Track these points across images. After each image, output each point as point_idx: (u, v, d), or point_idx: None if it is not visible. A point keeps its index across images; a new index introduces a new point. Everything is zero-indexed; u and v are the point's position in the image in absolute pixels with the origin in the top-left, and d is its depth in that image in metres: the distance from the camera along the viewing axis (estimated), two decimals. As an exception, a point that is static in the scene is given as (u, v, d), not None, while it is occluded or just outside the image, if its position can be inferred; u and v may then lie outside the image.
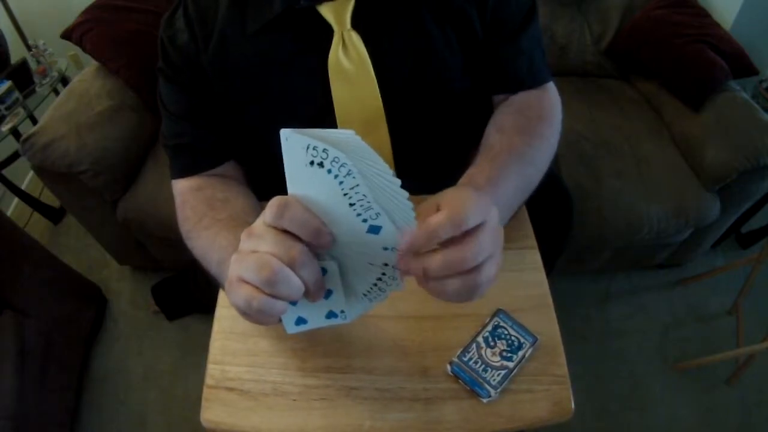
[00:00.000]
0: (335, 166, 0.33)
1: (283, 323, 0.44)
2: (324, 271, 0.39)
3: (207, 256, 0.56)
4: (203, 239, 0.57)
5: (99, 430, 1.34)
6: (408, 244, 0.36)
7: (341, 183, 0.34)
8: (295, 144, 0.33)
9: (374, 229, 0.36)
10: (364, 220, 0.36)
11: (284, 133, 0.33)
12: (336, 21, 0.60)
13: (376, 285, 0.42)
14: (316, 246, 0.37)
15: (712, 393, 1.39)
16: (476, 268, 0.37)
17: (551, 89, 0.70)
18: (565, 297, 1.57)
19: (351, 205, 0.35)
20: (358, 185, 0.34)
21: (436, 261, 0.36)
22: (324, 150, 0.33)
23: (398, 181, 0.35)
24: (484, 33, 0.64)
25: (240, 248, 0.38)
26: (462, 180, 0.55)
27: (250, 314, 0.38)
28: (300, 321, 0.45)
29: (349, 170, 0.33)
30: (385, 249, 0.38)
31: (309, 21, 0.60)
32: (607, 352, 1.47)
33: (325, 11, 0.59)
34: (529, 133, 0.62)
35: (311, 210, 0.36)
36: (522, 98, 0.67)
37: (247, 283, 0.36)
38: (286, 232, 0.36)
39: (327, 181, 0.34)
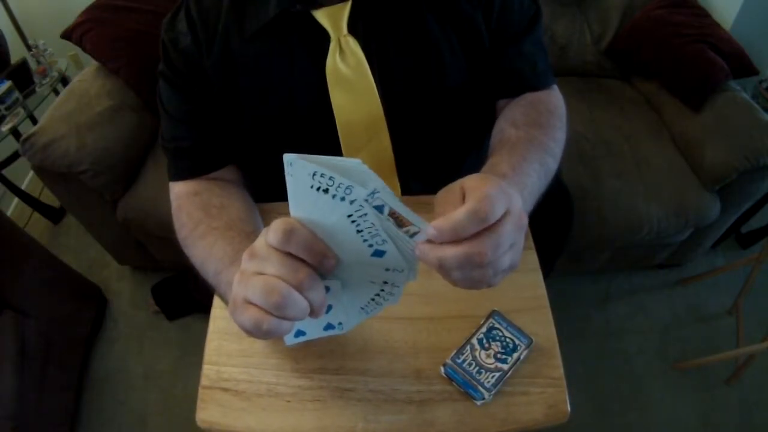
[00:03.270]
0: (340, 192, 0.33)
1: (282, 336, 0.44)
2: (327, 289, 0.40)
3: (204, 266, 0.56)
4: (199, 248, 0.57)
5: (99, 430, 1.34)
6: (432, 237, 0.35)
7: (348, 210, 0.34)
8: (299, 170, 0.33)
9: (379, 253, 0.37)
10: (370, 245, 0.36)
11: (288, 158, 0.33)
12: (332, 26, 0.59)
13: (373, 300, 0.43)
14: (322, 270, 0.37)
15: (712, 393, 1.39)
16: (493, 262, 0.36)
17: (555, 90, 0.70)
18: (565, 297, 1.58)
19: (359, 231, 0.35)
20: (366, 213, 0.34)
21: (453, 255, 0.35)
22: (330, 178, 0.33)
23: (406, 210, 0.35)
24: (490, 37, 0.64)
25: (243, 268, 0.38)
26: (484, 169, 0.55)
27: (257, 335, 0.38)
28: (299, 333, 0.45)
29: (355, 198, 0.33)
30: (387, 270, 0.38)
31: (306, 25, 0.59)
32: (607, 352, 1.47)
33: (321, 16, 0.58)
34: (542, 124, 0.62)
35: (316, 234, 0.36)
36: (528, 97, 0.67)
37: (254, 305, 0.36)
38: (292, 255, 0.36)
39: (333, 207, 0.34)
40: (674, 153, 1.39)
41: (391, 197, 0.34)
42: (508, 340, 0.53)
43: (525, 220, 0.39)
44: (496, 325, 0.55)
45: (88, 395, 1.39)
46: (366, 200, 0.34)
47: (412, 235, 0.36)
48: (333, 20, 0.59)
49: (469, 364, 0.52)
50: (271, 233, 0.36)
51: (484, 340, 0.54)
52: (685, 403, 1.38)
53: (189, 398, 1.37)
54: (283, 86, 0.63)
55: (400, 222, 0.35)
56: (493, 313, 0.56)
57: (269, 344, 0.56)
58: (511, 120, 0.64)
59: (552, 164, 0.60)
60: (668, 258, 1.55)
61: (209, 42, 0.62)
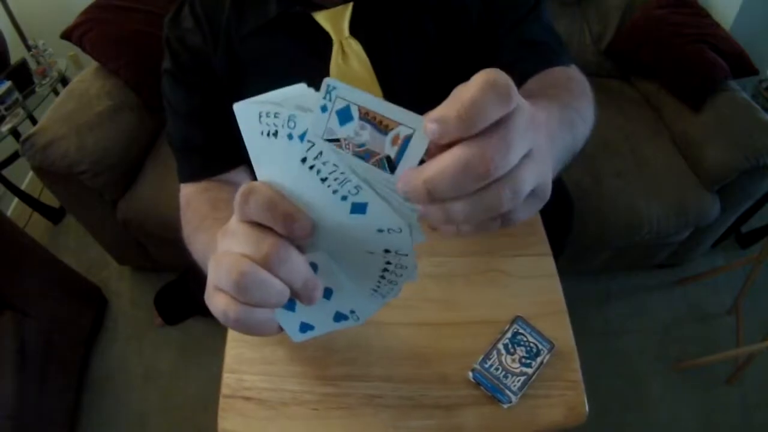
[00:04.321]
0: (286, 129, 0.26)
1: (287, 332, 0.37)
2: (315, 266, 0.32)
3: (205, 260, 0.54)
4: (200, 243, 0.56)
5: (99, 430, 1.34)
6: (433, 134, 0.24)
7: (300, 151, 0.27)
8: (248, 116, 0.27)
9: (358, 208, 0.28)
10: (344, 198, 0.28)
11: (237, 106, 0.27)
12: (333, 29, 0.58)
13: (383, 277, 0.34)
14: (294, 236, 0.29)
15: (712, 393, 1.39)
16: (508, 175, 0.25)
17: (575, 68, 0.63)
18: (565, 297, 1.57)
19: (323, 180, 0.27)
20: (321, 152, 0.26)
21: (446, 167, 0.24)
22: (276, 114, 0.26)
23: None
24: (490, 23, 0.62)
25: (217, 249, 0.32)
26: None
27: (232, 327, 0.31)
28: (305, 327, 0.37)
29: (303, 130, 0.26)
30: (381, 231, 0.30)
31: (307, 27, 0.58)
32: (607, 352, 1.47)
33: (321, 19, 0.57)
34: (561, 86, 0.56)
35: (282, 194, 0.29)
36: (542, 72, 0.60)
37: (222, 290, 0.30)
38: (258, 225, 0.29)
39: (287, 153, 0.27)
40: (674, 153, 1.39)
41: (354, 92, 0.24)
42: (531, 345, 0.55)
43: (541, 120, 0.28)
44: (521, 331, 0.56)
45: (88, 395, 1.39)
46: (323, 107, 0.25)
47: (401, 150, 0.25)
48: (334, 23, 0.58)
49: (496, 369, 0.53)
50: (235, 200, 0.30)
51: (510, 345, 0.54)
52: (685, 403, 1.38)
53: (189, 398, 1.37)
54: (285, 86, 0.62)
55: (379, 125, 0.25)
56: (516, 319, 0.56)
57: (290, 351, 0.55)
58: (524, 92, 0.58)
59: (578, 121, 0.50)
60: (668, 258, 1.55)
61: (215, 39, 0.61)
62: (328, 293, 0.36)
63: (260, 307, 0.30)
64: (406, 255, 0.32)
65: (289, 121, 0.26)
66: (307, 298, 0.31)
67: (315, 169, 0.27)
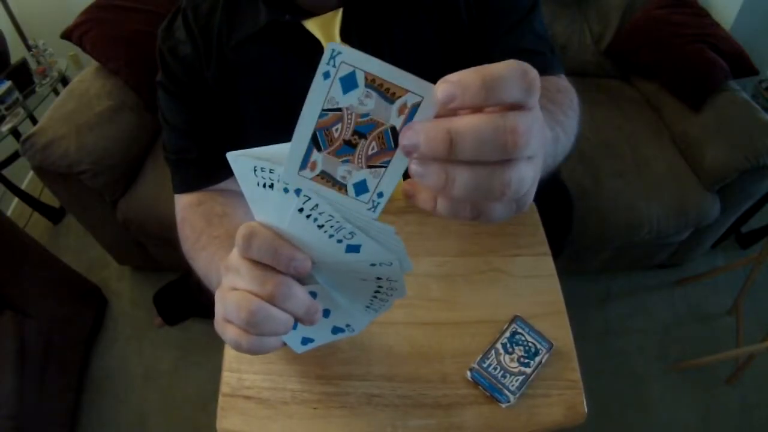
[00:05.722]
0: (285, 184, 0.28)
1: (289, 346, 0.41)
2: (314, 294, 0.36)
3: (208, 278, 0.55)
4: (201, 260, 0.56)
5: (99, 430, 1.34)
6: (445, 98, 0.23)
7: (296, 202, 0.29)
8: (243, 167, 0.29)
9: (353, 248, 0.31)
10: (339, 241, 0.30)
11: (231, 156, 0.29)
12: (324, 37, 0.57)
13: (375, 297, 0.38)
14: (295, 274, 0.33)
15: (712, 393, 1.39)
16: (517, 165, 0.24)
17: (564, 79, 0.64)
18: (565, 297, 1.57)
19: (320, 227, 0.30)
20: (317, 204, 0.28)
21: (476, 124, 0.22)
22: (270, 170, 0.28)
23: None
24: (480, 29, 0.61)
25: (222, 284, 0.35)
26: None
27: (244, 353, 0.35)
28: (306, 341, 0.42)
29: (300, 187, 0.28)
30: (373, 265, 0.32)
31: (298, 35, 0.58)
32: (607, 352, 1.47)
33: (312, 26, 0.57)
34: (548, 98, 0.56)
35: (281, 235, 0.32)
36: None
37: (232, 323, 0.34)
38: (260, 263, 0.32)
39: (283, 203, 0.29)
40: (674, 153, 1.39)
41: (361, 57, 0.23)
42: (530, 344, 0.55)
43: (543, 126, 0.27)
44: (519, 330, 0.56)
45: (88, 395, 1.39)
46: (325, 73, 0.23)
47: (407, 121, 0.24)
48: (324, 30, 0.57)
49: (495, 368, 0.53)
50: (236, 240, 0.32)
51: (508, 345, 0.55)
52: (685, 403, 1.38)
53: (189, 398, 1.37)
54: (280, 95, 0.61)
55: (386, 93, 0.24)
56: (515, 319, 0.57)
57: (290, 350, 0.55)
58: None
59: (562, 136, 0.51)
60: (668, 258, 1.55)
61: (207, 49, 0.60)
62: (326, 313, 0.39)
63: (269, 336, 0.33)
64: (396, 281, 0.34)
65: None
66: (309, 322, 0.34)
67: (312, 218, 0.29)
